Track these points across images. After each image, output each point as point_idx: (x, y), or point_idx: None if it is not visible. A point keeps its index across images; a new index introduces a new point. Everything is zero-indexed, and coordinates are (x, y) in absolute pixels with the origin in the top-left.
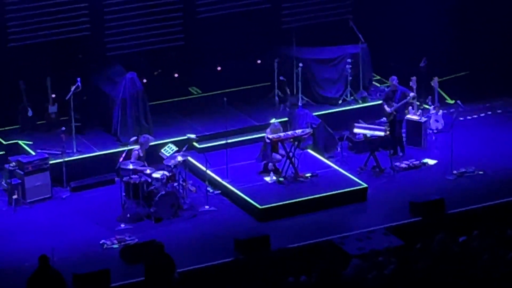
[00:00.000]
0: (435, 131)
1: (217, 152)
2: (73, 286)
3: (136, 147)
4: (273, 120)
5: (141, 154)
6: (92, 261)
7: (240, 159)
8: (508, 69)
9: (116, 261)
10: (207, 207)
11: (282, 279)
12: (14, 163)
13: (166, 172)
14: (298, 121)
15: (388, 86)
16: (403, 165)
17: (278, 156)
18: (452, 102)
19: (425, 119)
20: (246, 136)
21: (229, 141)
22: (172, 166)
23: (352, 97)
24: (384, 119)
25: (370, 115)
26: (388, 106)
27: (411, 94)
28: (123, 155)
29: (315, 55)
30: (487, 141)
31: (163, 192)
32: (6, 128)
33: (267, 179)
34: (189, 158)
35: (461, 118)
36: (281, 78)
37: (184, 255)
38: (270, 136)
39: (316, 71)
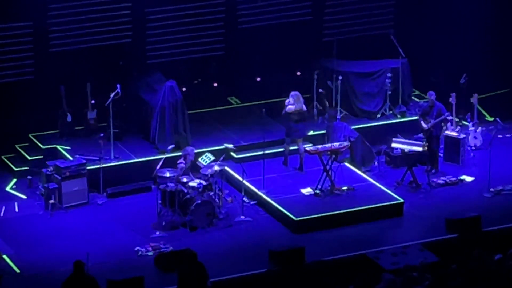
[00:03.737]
0: (473, 148)
1: (254, 163)
2: None
3: (181, 159)
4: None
5: (186, 167)
6: (127, 268)
7: (277, 170)
8: None
9: (150, 269)
10: (242, 217)
11: None
12: (51, 168)
13: (202, 181)
14: (336, 134)
15: (426, 101)
16: (440, 181)
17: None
18: (492, 119)
19: (464, 135)
20: (284, 147)
21: (267, 152)
22: (209, 175)
23: (391, 112)
24: (422, 134)
25: (408, 130)
26: (424, 122)
27: (447, 113)
28: (161, 162)
29: (355, 69)
30: None
31: (199, 201)
32: (45, 133)
33: (304, 191)
34: (226, 168)
35: (500, 136)
36: (320, 90)
37: (218, 265)
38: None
39: (355, 85)
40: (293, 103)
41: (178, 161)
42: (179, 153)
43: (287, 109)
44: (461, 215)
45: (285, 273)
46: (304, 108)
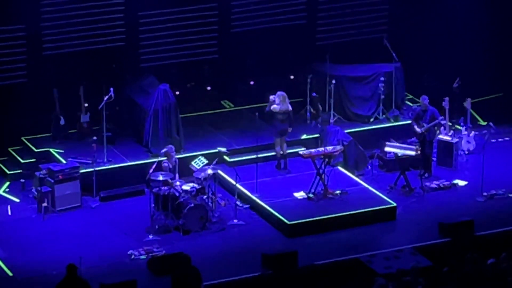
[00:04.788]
0: (466, 152)
1: (247, 166)
2: None
3: (165, 159)
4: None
5: (170, 166)
6: (119, 271)
7: (270, 174)
8: None
9: (143, 272)
10: (235, 221)
11: None
12: (44, 171)
13: (195, 185)
14: (329, 138)
15: (419, 106)
16: (433, 185)
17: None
18: (485, 123)
19: (457, 140)
20: (275, 151)
21: (260, 155)
22: (202, 179)
23: (384, 116)
24: (415, 138)
25: (401, 134)
26: (418, 126)
27: (440, 117)
28: (154, 166)
29: (349, 73)
30: None
31: (192, 205)
32: (38, 136)
33: (297, 195)
34: (219, 172)
35: (493, 140)
36: (313, 94)
37: (211, 268)
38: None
39: (349, 89)
40: (278, 103)
41: (163, 162)
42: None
43: (272, 108)
44: (454, 219)
45: (277, 277)
46: (290, 108)
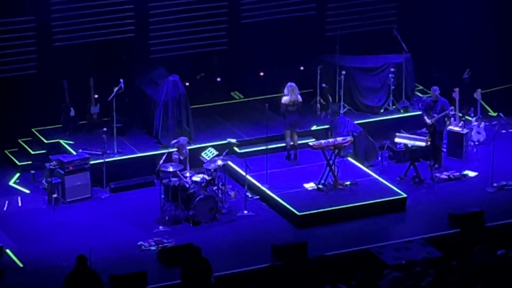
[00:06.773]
0: (476, 143)
1: (257, 158)
2: (110, 286)
3: (175, 150)
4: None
5: (181, 158)
6: (129, 262)
7: (280, 165)
8: None
9: (153, 263)
10: (245, 212)
11: (319, 287)
12: (55, 162)
13: (205, 176)
14: (339, 129)
15: (430, 96)
16: (443, 176)
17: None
18: (495, 114)
19: (467, 130)
20: (285, 142)
21: (270, 146)
22: (212, 170)
23: (394, 107)
24: (425, 129)
25: (411, 125)
26: (428, 117)
27: (450, 108)
28: (164, 157)
29: (358, 64)
30: None
31: (202, 196)
32: (48, 127)
33: (307, 186)
34: (229, 163)
35: (503, 131)
36: (323, 85)
37: (221, 259)
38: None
39: (358, 80)
40: (287, 93)
41: (173, 153)
42: None
43: (282, 100)
44: (464, 210)
45: (287, 268)
46: (300, 99)
